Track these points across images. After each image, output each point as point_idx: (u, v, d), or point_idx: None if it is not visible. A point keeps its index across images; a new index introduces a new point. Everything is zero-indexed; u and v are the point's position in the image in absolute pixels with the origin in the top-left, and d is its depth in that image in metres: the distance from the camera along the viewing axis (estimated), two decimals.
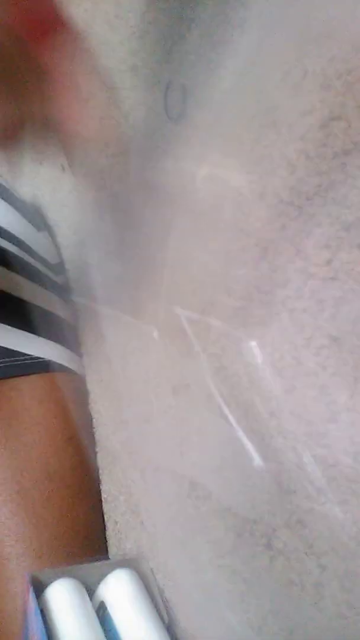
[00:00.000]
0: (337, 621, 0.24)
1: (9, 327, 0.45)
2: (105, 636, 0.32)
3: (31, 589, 0.33)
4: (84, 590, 0.34)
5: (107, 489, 0.42)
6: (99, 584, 0.35)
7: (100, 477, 0.44)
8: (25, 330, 0.45)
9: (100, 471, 0.44)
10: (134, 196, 0.40)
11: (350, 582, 0.24)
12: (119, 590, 0.34)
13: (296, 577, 0.26)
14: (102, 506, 0.43)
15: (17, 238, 0.49)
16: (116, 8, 0.43)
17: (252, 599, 0.29)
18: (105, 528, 0.43)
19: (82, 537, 0.39)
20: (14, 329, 0.45)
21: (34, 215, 0.53)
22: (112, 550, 0.41)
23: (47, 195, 0.56)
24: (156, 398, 0.37)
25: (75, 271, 0.49)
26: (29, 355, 0.44)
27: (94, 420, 0.45)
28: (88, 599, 0.34)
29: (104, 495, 0.43)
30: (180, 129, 0.35)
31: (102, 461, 0.43)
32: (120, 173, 0.42)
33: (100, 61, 0.46)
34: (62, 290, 0.49)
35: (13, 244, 0.48)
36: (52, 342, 0.45)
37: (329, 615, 0.25)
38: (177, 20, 0.35)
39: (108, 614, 0.33)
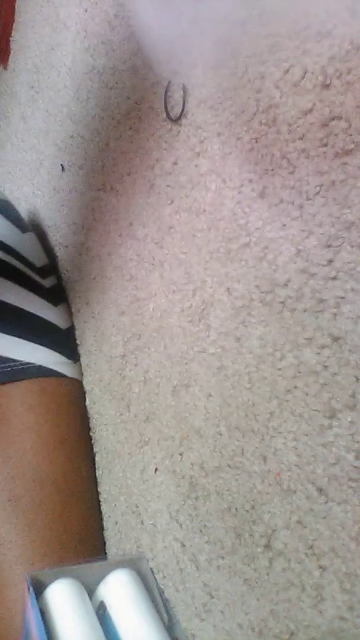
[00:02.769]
0: (338, 623, 0.24)
1: None
2: (105, 636, 0.32)
3: (31, 589, 0.33)
4: (84, 590, 0.34)
5: (107, 489, 0.42)
6: (98, 584, 0.35)
7: (100, 477, 0.44)
8: (14, 336, 0.45)
9: (100, 471, 0.44)
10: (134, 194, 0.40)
11: (350, 583, 0.24)
12: (118, 590, 0.34)
13: (296, 578, 0.26)
14: (98, 508, 0.43)
15: (0, 241, 0.49)
16: (116, 8, 0.43)
17: (253, 600, 0.28)
18: (102, 530, 0.42)
19: (75, 541, 0.39)
20: (3, 335, 0.45)
21: (19, 217, 0.53)
22: (112, 550, 0.41)
23: (47, 195, 0.56)
24: (156, 398, 0.37)
25: (74, 272, 0.49)
26: (19, 361, 0.44)
27: (94, 420, 0.45)
28: (88, 599, 0.34)
29: (104, 495, 0.43)
30: (180, 129, 0.35)
31: (102, 461, 0.43)
32: (121, 173, 0.42)
33: (100, 61, 0.46)
34: (50, 294, 0.49)
35: None
36: (41, 347, 0.45)
37: (330, 618, 0.25)
38: (177, 20, 0.35)
39: (108, 614, 0.33)
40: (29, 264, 0.49)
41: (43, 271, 0.50)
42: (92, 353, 0.46)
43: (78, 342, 0.48)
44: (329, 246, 0.25)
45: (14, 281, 0.47)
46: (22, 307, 0.46)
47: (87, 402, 0.46)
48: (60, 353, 0.46)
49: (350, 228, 0.24)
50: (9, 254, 0.48)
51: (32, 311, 0.47)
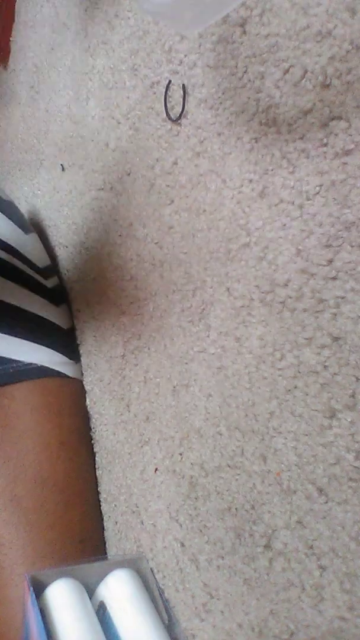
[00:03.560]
0: (338, 623, 0.24)
1: (0, 334, 0.45)
2: (105, 636, 0.32)
3: (31, 589, 0.33)
4: (84, 590, 0.34)
5: (107, 489, 0.42)
6: (99, 584, 0.35)
7: (100, 477, 0.44)
8: (16, 337, 0.45)
9: (100, 471, 0.44)
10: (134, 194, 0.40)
11: (350, 583, 0.24)
12: (119, 590, 0.34)
13: (296, 578, 0.26)
14: (98, 508, 0.43)
15: (4, 242, 0.49)
16: (116, 8, 0.43)
17: (253, 600, 0.28)
18: (103, 530, 0.42)
19: (77, 541, 0.39)
20: (5, 336, 0.45)
21: (21, 218, 0.53)
22: (112, 550, 0.41)
23: (47, 195, 0.56)
24: (156, 398, 0.37)
25: (74, 272, 0.49)
26: (21, 361, 0.44)
27: (94, 420, 0.45)
28: (88, 599, 0.34)
29: (103, 495, 0.43)
30: (180, 129, 0.35)
31: (102, 461, 0.43)
32: (121, 173, 0.42)
33: (100, 61, 0.46)
34: (53, 294, 0.49)
35: (0, 248, 0.48)
36: (43, 348, 0.45)
37: (330, 618, 0.25)
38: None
39: (108, 614, 0.33)
40: (32, 265, 0.49)
41: (45, 272, 0.50)
42: (92, 353, 0.46)
43: (78, 342, 0.48)
44: (329, 246, 0.25)
45: (16, 282, 0.47)
46: (24, 308, 0.46)
47: (88, 402, 0.46)
48: (62, 353, 0.46)
49: (350, 228, 0.24)
50: (12, 255, 0.48)
51: (34, 312, 0.47)
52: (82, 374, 0.47)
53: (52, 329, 0.47)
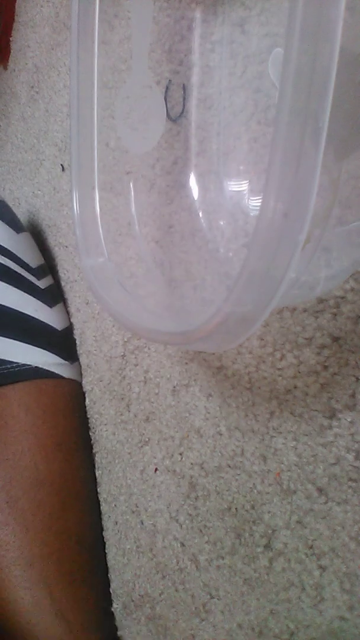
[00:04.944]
0: (338, 623, 0.24)
1: None
2: None
3: None
4: None
5: (107, 489, 0.42)
6: None
7: (100, 477, 0.44)
8: (9, 338, 0.45)
9: (100, 471, 0.44)
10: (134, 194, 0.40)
11: (350, 583, 0.24)
12: None
13: (296, 578, 0.26)
14: (96, 509, 0.43)
15: None
16: (116, 8, 0.43)
17: (253, 600, 0.28)
18: (101, 530, 0.42)
19: (74, 542, 0.39)
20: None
21: (13, 217, 0.52)
22: (112, 550, 0.41)
23: (47, 195, 0.56)
24: (156, 398, 0.37)
25: (74, 272, 0.49)
26: (15, 362, 0.44)
27: (93, 420, 0.45)
28: None
29: (103, 495, 0.43)
30: (180, 129, 0.35)
31: (102, 461, 0.43)
32: (120, 173, 0.42)
33: (100, 61, 0.45)
34: (46, 295, 0.49)
35: None
36: (37, 349, 0.45)
37: (330, 618, 0.25)
38: (177, 20, 0.35)
39: None
40: (24, 265, 0.49)
41: (38, 272, 0.50)
42: (92, 353, 0.45)
43: (78, 342, 0.48)
44: (327, 249, 0.25)
45: (8, 283, 0.47)
46: (17, 309, 0.46)
47: (87, 402, 0.46)
48: (56, 354, 0.46)
49: (350, 229, 0.24)
50: (3, 255, 0.48)
51: (27, 313, 0.47)
52: (79, 375, 0.47)
53: (46, 330, 0.47)
